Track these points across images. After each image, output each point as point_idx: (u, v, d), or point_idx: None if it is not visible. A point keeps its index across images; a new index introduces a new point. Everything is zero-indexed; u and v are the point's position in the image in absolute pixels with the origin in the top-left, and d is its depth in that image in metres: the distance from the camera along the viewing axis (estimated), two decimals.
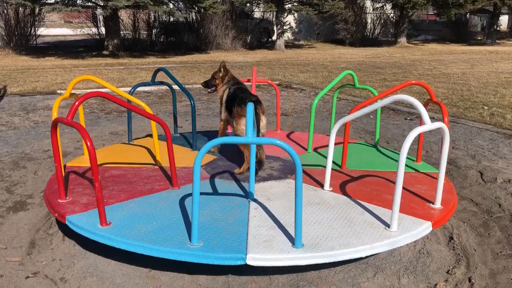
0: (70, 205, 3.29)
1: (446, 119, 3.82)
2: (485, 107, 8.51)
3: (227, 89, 4.37)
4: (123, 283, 2.90)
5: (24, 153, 5.60)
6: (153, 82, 5.07)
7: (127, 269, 3.02)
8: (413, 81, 4.29)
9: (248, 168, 3.63)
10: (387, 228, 2.97)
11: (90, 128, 6.79)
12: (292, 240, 2.78)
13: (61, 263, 3.14)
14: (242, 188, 3.72)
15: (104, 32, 21.65)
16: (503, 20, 37.27)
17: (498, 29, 32.33)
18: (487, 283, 2.97)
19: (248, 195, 3.51)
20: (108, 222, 2.99)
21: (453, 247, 3.44)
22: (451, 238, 3.57)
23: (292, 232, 2.85)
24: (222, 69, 4.42)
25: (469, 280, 2.98)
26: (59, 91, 9.96)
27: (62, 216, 3.14)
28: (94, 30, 23.21)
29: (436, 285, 2.93)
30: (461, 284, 2.95)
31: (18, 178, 4.75)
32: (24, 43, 20.51)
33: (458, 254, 3.34)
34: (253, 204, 3.38)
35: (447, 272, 3.09)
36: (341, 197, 3.54)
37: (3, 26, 20.10)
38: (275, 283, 2.88)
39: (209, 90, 4.53)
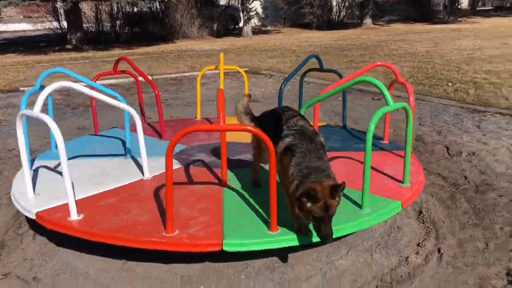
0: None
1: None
2: (449, 84, 8.71)
3: None
4: (98, 277, 2.86)
5: None
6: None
7: (102, 263, 2.98)
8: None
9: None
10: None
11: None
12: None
13: (33, 262, 3.08)
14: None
15: (66, 26, 21.05)
16: None
17: (459, 7, 32.98)
18: (455, 252, 3.07)
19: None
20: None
21: (423, 220, 3.54)
22: (421, 212, 3.67)
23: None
24: None
25: (439, 251, 3.08)
26: (22, 88, 9.65)
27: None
28: (55, 24, 22.55)
29: (407, 258, 3.01)
30: (431, 255, 3.05)
31: None
32: None
33: (428, 227, 3.43)
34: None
35: (418, 245, 3.18)
36: None
37: None
38: (251, 267, 2.90)
39: None
